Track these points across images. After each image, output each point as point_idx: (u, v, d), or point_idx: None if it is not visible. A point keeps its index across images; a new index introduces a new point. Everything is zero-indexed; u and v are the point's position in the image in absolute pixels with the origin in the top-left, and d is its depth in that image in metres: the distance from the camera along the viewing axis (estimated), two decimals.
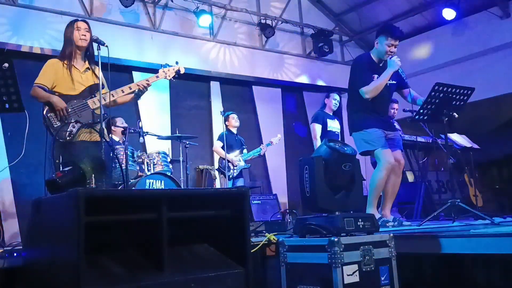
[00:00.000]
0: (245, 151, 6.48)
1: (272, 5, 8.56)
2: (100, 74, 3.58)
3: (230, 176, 6.21)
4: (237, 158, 6.29)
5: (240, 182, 6.31)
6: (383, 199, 4.15)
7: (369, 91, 3.95)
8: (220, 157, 6.32)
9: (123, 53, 6.71)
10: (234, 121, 6.49)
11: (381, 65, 4.10)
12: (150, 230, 2.02)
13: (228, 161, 6.18)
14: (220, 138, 6.31)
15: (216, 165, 6.39)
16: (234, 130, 6.50)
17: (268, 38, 8.27)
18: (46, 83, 3.52)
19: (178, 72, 4.03)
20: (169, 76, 3.98)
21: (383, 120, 4.13)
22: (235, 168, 6.25)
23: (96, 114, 3.53)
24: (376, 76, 4.02)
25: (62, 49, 3.68)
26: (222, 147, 6.18)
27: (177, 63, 4.07)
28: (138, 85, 3.75)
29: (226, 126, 6.47)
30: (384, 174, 3.95)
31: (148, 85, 3.77)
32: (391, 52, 4.00)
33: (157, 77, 3.92)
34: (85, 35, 3.61)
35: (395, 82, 4.15)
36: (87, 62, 3.69)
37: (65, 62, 3.59)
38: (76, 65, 3.63)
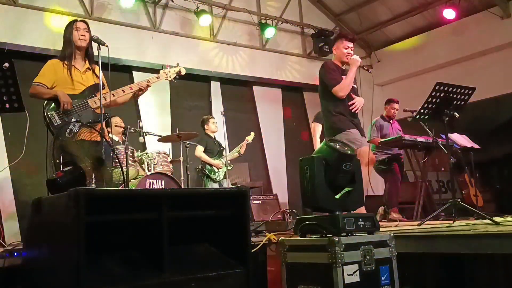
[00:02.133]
0: (225, 152, 6.48)
1: (272, 5, 8.57)
2: (101, 74, 3.58)
3: (217, 179, 6.24)
4: (220, 162, 6.29)
5: (225, 183, 6.32)
6: None
7: (341, 88, 4.17)
8: (203, 161, 6.30)
9: (123, 53, 6.71)
10: (214, 126, 6.48)
11: (343, 67, 4.37)
12: (150, 230, 2.02)
13: (213, 165, 6.19)
14: (201, 142, 6.29)
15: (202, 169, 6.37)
16: (213, 135, 6.48)
17: (268, 38, 8.28)
18: (45, 83, 3.52)
19: (178, 73, 4.05)
20: (169, 77, 4.01)
21: (356, 123, 4.25)
22: (219, 170, 6.27)
23: (96, 114, 3.53)
24: (343, 77, 4.24)
25: (62, 50, 3.68)
26: (204, 151, 6.20)
27: (178, 64, 4.09)
28: (138, 85, 3.76)
29: (205, 130, 6.45)
30: (366, 172, 4.06)
31: (148, 85, 3.79)
32: (349, 53, 4.31)
33: (158, 77, 3.95)
34: (84, 35, 3.61)
35: (355, 86, 4.37)
36: (87, 62, 3.69)
37: (65, 62, 3.60)
38: (76, 65, 3.63)
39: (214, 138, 6.53)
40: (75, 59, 3.63)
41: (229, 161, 6.39)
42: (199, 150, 6.25)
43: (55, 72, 3.57)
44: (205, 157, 6.24)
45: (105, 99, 3.46)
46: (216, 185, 6.26)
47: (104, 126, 3.42)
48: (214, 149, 6.37)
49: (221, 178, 6.28)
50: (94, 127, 3.50)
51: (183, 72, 4.10)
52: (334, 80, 4.22)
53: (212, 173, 6.22)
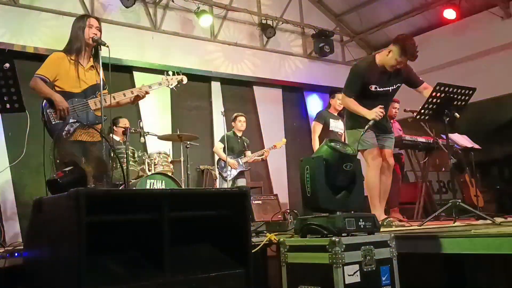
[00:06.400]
0: (248, 153, 6.47)
1: (273, 5, 8.57)
2: (101, 74, 3.53)
3: (228, 178, 6.23)
4: (235, 162, 6.28)
5: (241, 182, 6.31)
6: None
7: (345, 102, 4.12)
8: (219, 158, 6.33)
9: (124, 54, 6.72)
10: (240, 124, 6.52)
11: (382, 69, 4.04)
12: (151, 230, 2.02)
13: (228, 164, 6.20)
14: (222, 139, 6.31)
15: (216, 165, 6.42)
16: (239, 133, 6.52)
17: (269, 38, 8.28)
18: (48, 75, 3.44)
19: (180, 81, 4.06)
20: (171, 84, 4.01)
21: (378, 125, 4.09)
22: (232, 170, 6.27)
23: (95, 115, 3.51)
24: (373, 86, 3.99)
25: (68, 44, 3.57)
26: (224, 149, 6.19)
27: (180, 72, 4.09)
28: (138, 92, 3.71)
29: (232, 127, 6.50)
30: (374, 173, 4.03)
31: (147, 93, 3.75)
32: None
33: (160, 84, 3.94)
34: (96, 34, 3.52)
35: (397, 86, 4.12)
36: (91, 59, 3.62)
37: (72, 57, 3.51)
38: (82, 62, 3.56)
39: (240, 137, 6.54)
40: (81, 56, 3.55)
41: (248, 163, 6.38)
42: (217, 147, 6.31)
43: (58, 65, 3.47)
44: (221, 154, 6.25)
45: (105, 101, 3.43)
46: (226, 185, 6.24)
47: (111, 126, 3.40)
48: (235, 148, 6.37)
49: (232, 177, 6.26)
50: (93, 127, 3.46)
51: (185, 81, 4.09)
52: (350, 89, 4.04)
53: (224, 170, 6.22)
